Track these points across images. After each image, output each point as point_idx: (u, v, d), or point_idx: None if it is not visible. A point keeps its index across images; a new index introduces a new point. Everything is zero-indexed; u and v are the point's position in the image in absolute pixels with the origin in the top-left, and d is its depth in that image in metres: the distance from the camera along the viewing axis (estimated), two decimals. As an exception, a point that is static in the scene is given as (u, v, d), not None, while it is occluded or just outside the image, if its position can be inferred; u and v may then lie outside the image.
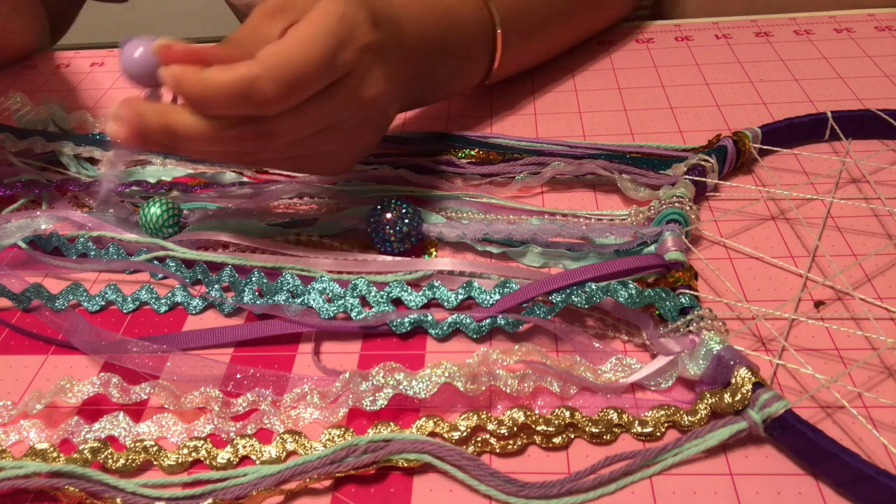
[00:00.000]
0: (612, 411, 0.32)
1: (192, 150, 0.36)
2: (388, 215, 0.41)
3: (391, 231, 0.40)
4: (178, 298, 0.40)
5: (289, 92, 0.34)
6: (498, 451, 0.31)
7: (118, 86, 0.62)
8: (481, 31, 0.49)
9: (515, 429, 0.32)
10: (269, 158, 0.39)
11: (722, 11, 0.67)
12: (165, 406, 0.33)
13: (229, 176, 0.49)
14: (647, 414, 0.32)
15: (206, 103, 0.34)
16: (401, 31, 0.41)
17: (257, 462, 0.32)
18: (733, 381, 0.31)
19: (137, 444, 0.32)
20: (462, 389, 0.32)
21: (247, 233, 0.43)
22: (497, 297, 0.37)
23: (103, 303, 0.40)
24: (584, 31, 0.60)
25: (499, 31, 0.49)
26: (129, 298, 0.40)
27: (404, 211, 0.41)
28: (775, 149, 0.46)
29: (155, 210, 0.43)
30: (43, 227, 0.45)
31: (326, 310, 0.38)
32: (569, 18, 0.57)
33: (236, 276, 0.40)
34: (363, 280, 0.39)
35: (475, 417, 0.32)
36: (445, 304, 0.38)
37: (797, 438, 0.29)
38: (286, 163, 0.41)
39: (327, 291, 0.39)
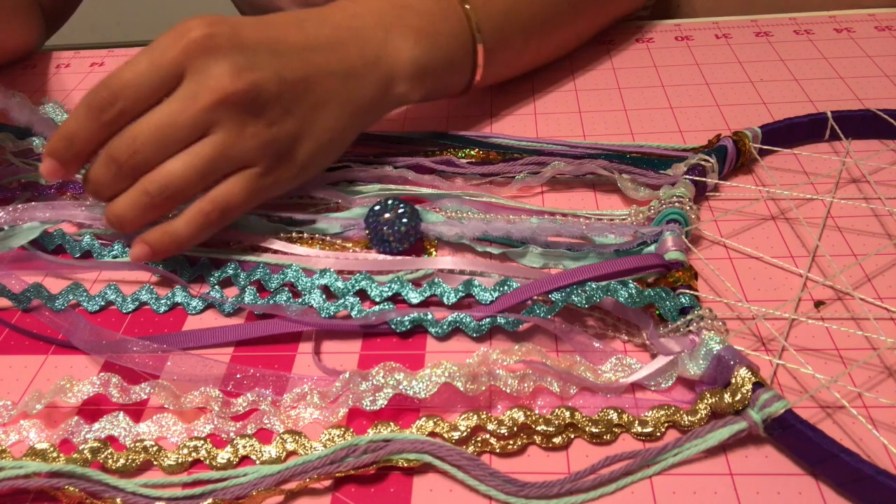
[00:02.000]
0: (612, 411, 0.32)
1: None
2: (386, 215, 0.41)
3: (389, 231, 0.40)
4: (178, 298, 0.40)
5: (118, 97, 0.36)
6: (498, 451, 0.31)
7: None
8: (460, 43, 0.47)
9: (515, 429, 0.32)
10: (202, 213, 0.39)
11: (722, 11, 0.67)
12: (165, 406, 0.33)
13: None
14: (647, 414, 0.32)
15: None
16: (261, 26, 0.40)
17: (257, 462, 0.32)
18: (733, 381, 0.31)
19: (137, 444, 0.32)
20: (462, 389, 0.32)
21: (248, 231, 0.43)
22: (497, 295, 0.37)
23: (103, 303, 0.40)
24: (585, 31, 0.60)
25: (480, 44, 0.48)
26: (129, 298, 0.40)
27: (402, 211, 0.41)
28: (775, 149, 0.46)
29: None
30: (46, 221, 0.45)
31: (327, 308, 0.38)
32: (565, 23, 0.55)
33: (239, 269, 0.40)
34: (364, 274, 0.39)
35: (475, 417, 0.32)
36: (445, 300, 0.38)
37: (797, 438, 0.29)
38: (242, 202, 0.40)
39: (329, 285, 0.39)
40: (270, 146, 0.39)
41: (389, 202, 0.41)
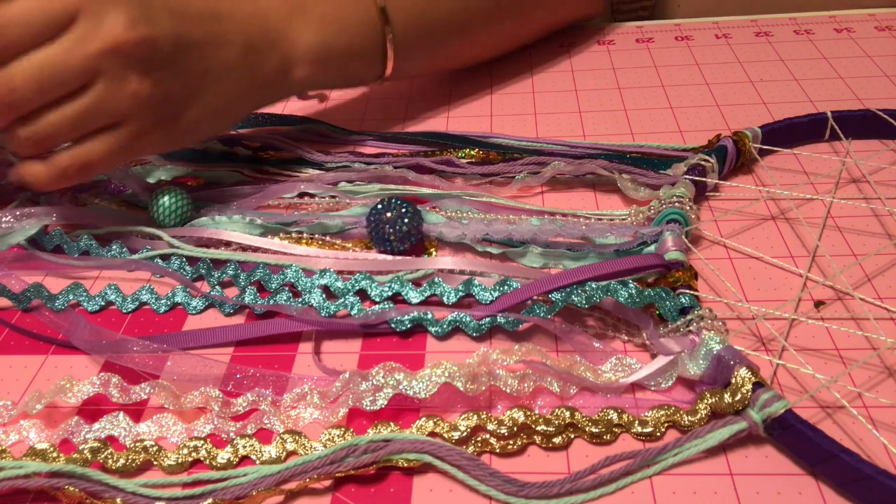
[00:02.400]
0: (612, 411, 0.32)
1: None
2: (388, 214, 0.41)
3: (391, 230, 0.40)
4: (179, 298, 0.40)
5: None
6: (498, 451, 0.31)
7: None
8: (368, 34, 0.47)
9: (515, 429, 0.32)
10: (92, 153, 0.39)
11: (722, 11, 0.67)
12: (165, 406, 0.33)
13: (230, 175, 0.49)
14: (647, 414, 0.32)
15: None
16: None
17: (257, 462, 0.32)
18: (733, 380, 0.31)
19: (137, 444, 0.32)
20: (462, 389, 0.32)
21: (248, 231, 0.43)
22: (497, 295, 0.37)
23: (103, 303, 0.40)
24: (522, 33, 0.57)
25: (390, 35, 0.47)
26: (129, 298, 0.40)
27: (404, 210, 0.41)
28: (775, 149, 0.47)
29: (165, 200, 0.43)
30: (45, 222, 0.45)
31: (327, 308, 0.38)
32: (492, 23, 0.54)
33: (239, 269, 0.40)
34: (364, 274, 0.39)
35: (475, 417, 0.32)
36: (445, 299, 0.38)
37: (797, 438, 0.29)
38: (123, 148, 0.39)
39: (329, 285, 0.39)
40: (149, 107, 0.38)
41: (392, 201, 0.41)
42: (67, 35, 0.35)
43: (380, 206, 0.41)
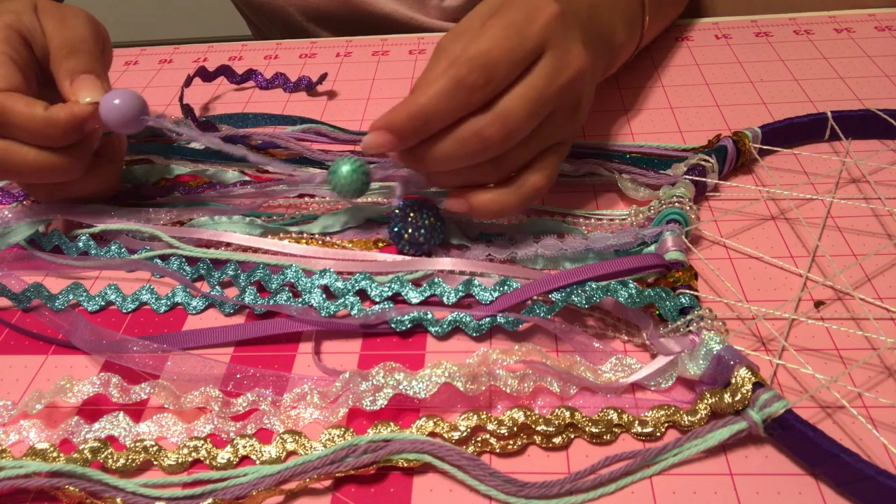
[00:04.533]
0: (612, 411, 0.32)
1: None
2: (412, 217, 0.40)
3: (409, 232, 0.40)
4: (179, 298, 0.40)
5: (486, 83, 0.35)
6: (498, 451, 0.31)
7: (118, 86, 0.62)
8: (638, 25, 0.50)
9: (515, 429, 0.32)
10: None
11: (722, 11, 0.67)
12: (165, 406, 0.33)
13: (231, 175, 0.49)
14: (647, 414, 0.32)
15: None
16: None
17: (257, 462, 0.32)
18: (733, 381, 0.31)
19: (137, 444, 0.32)
20: (462, 389, 0.32)
21: (248, 232, 0.43)
22: (497, 295, 0.37)
23: (103, 303, 0.40)
24: (677, 14, 0.62)
25: (646, 20, 0.50)
26: (129, 298, 0.40)
27: (428, 222, 0.40)
28: (775, 149, 0.46)
29: (346, 168, 0.39)
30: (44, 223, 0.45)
31: (327, 308, 0.38)
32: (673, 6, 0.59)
33: (239, 270, 0.40)
34: (364, 274, 0.39)
35: (475, 417, 0.32)
36: (445, 299, 0.38)
37: (797, 438, 0.29)
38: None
39: (329, 285, 0.39)
40: (578, 126, 0.40)
41: (426, 212, 0.40)
42: (542, 66, 0.36)
43: (410, 210, 0.40)
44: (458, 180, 0.38)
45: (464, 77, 0.34)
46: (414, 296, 0.38)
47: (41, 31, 0.42)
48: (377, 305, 0.38)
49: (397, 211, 0.41)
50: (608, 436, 0.31)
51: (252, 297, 0.39)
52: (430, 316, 0.37)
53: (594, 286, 0.35)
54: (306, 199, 0.46)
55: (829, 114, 0.47)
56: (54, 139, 0.39)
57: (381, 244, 0.43)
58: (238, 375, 0.35)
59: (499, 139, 0.35)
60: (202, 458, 0.32)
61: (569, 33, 0.37)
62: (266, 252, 0.42)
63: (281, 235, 0.43)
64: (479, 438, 0.32)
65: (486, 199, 0.38)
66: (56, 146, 0.39)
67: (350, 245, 0.43)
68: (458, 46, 0.36)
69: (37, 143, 0.39)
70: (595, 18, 0.43)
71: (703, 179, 0.42)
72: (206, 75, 0.58)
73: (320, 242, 0.43)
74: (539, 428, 0.32)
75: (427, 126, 0.35)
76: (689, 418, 0.31)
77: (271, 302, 0.39)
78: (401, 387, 0.33)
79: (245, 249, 0.43)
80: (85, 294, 0.41)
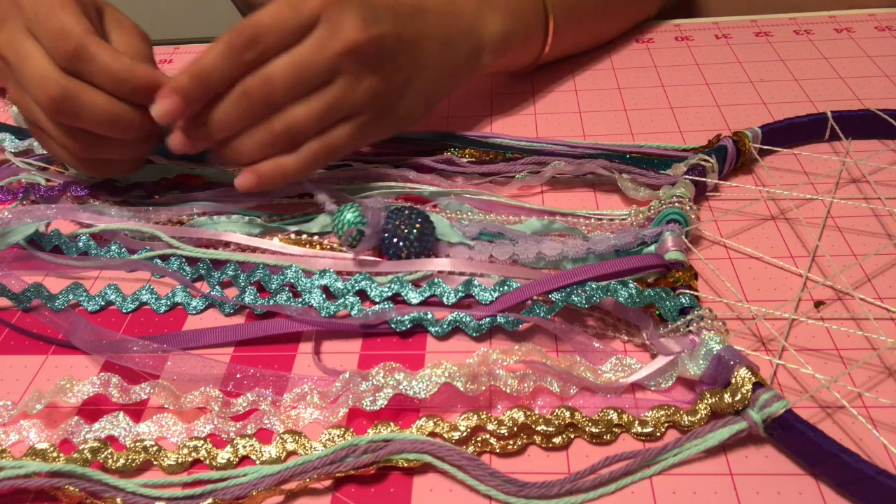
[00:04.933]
0: (612, 411, 0.32)
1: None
2: (404, 229, 0.40)
3: (403, 244, 0.40)
4: (178, 298, 0.40)
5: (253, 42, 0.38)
6: (498, 451, 0.31)
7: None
8: (537, 19, 0.51)
9: (515, 429, 0.32)
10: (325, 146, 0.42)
11: (722, 11, 0.67)
12: (165, 406, 0.33)
13: (231, 175, 0.49)
14: (647, 414, 0.32)
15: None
16: None
17: (257, 462, 0.32)
18: (733, 381, 0.31)
19: (137, 444, 0.32)
20: (462, 389, 0.32)
21: (248, 231, 0.43)
22: (497, 295, 0.37)
23: (103, 303, 0.40)
24: (619, 26, 0.62)
25: (551, 19, 0.51)
26: (129, 298, 0.40)
27: (419, 224, 0.40)
28: (775, 149, 0.46)
29: (349, 216, 0.41)
30: (48, 220, 0.45)
31: (327, 308, 0.38)
32: (612, 11, 0.59)
33: (239, 270, 0.40)
34: (363, 274, 0.39)
35: (475, 417, 0.32)
36: (445, 300, 0.38)
37: (797, 438, 0.29)
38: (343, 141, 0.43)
39: (329, 286, 0.39)
40: (379, 99, 0.42)
41: (415, 218, 0.40)
42: (312, 37, 0.39)
43: (395, 220, 0.40)
44: (258, 157, 0.41)
45: (234, 40, 0.38)
46: (414, 296, 0.38)
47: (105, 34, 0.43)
48: (377, 305, 0.38)
49: (384, 220, 0.40)
50: (608, 436, 0.31)
51: (252, 297, 0.39)
52: (430, 316, 0.37)
53: (594, 286, 0.35)
54: (306, 198, 0.46)
55: (829, 114, 0.47)
56: (129, 89, 0.39)
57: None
58: (238, 375, 0.35)
59: (260, 98, 0.39)
60: (202, 458, 0.32)
61: (346, 8, 0.39)
62: (266, 252, 0.42)
63: (281, 236, 0.43)
64: (479, 438, 0.32)
65: (268, 166, 0.41)
66: (127, 97, 0.40)
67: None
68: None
69: (111, 88, 0.39)
70: (441, 8, 0.45)
71: (703, 179, 0.42)
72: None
73: (320, 245, 0.43)
74: (539, 428, 0.32)
75: (206, 86, 0.39)
76: (689, 418, 0.31)
77: (271, 302, 0.39)
78: (401, 387, 0.33)
79: (244, 249, 0.43)
80: (85, 294, 0.41)
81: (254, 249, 0.43)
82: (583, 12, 0.55)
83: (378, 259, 0.41)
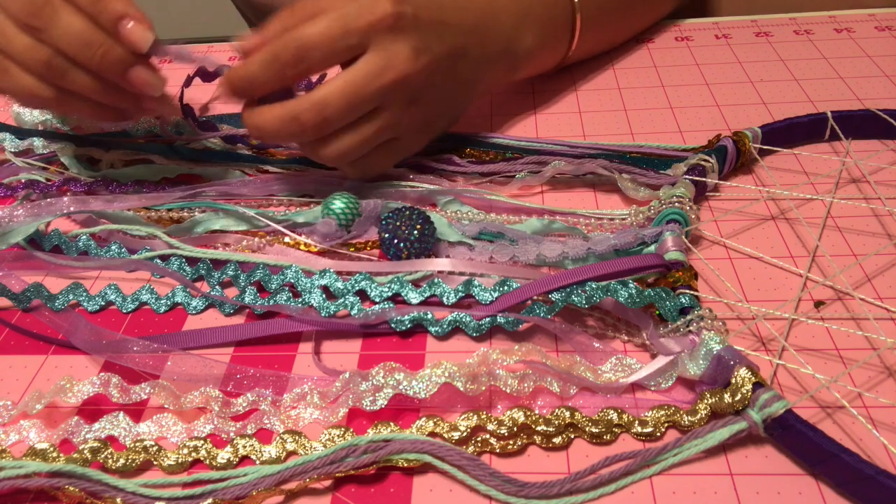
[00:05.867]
0: (612, 411, 0.32)
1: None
2: (405, 229, 0.40)
3: (403, 245, 0.40)
4: (179, 298, 0.40)
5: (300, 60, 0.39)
6: (498, 451, 0.31)
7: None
8: (559, 12, 0.51)
9: (515, 429, 0.32)
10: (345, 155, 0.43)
11: (722, 11, 0.67)
12: (165, 406, 0.33)
13: (231, 174, 0.49)
14: (647, 414, 0.32)
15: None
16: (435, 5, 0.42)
17: (257, 462, 0.32)
18: (733, 381, 0.31)
19: (137, 444, 0.32)
20: (462, 389, 0.32)
21: (247, 229, 0.43)
22: (497, 295, 0.37)
23: (103, 303, 0.40)
24: (640, 25, 0.62)
25: (578, 14, 0.51)
26: (129, 298, 0.40)
27: (419, 226, 0.40)
28: (775, 149, 0.46)
29: (339, 204, 0.42)
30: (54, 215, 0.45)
31: (327, 308, 0.38)
32: (635, 9, 0.59)
33: (239, 270, 0.40)
34: (363, 274, 0.39)
35: (475, 417, 0.32)
36: (445, 300, 0.38)
37: (797, 438, 0.29)
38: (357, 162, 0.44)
39: (329, 286, 0.39)
40: (420, 126, 0.44)
41: (416, 219, 0.40)
42: (364, 64, 0.39)
43: (396, 221, 0.40)
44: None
45: (280, 53, 0.38)
46: (414, 296, 0.38)
47: None
48: (377, 305, 0.38)
49: (385, 220, 0.41)
50: (608, 436, 0.31)
51: (252, 297, 0.39)
52: (430, 316, 0.37)
53: (594, 286, 0.35)
54: (306, 197, 0.46)
55: (829, 114, 0.47)
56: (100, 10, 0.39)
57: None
58: (238, 375, 0.35)
59: (313, 125, 0.39)
60: (202, 458, 0.32)
61: (399, 37, 0.39)
62: (266, 252, 0.42)
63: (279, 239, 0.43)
64: (479, 438, 0.32)
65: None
66: (98, 19, 0.39)
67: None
68: (292, 22, 0.39)
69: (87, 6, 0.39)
70: (482, 25, 0.45)
71: (703, 179, 0.42)
72: (206, 75, 0.58)
73: (303, 246, 0.43)
74: (539, 428, 0.32)
75: (250, 89, 0.40)
76: (689, 418, 0.31)
77: (271, 302, 0.39)
78: (401, 387, 0.33)
79: (244, 249, 0.43)
80: (85, 294, 0.41)
81: (253, 249, 0.43)
82: (610, 11, 0.55)
83: (378, 259, 0.41)
